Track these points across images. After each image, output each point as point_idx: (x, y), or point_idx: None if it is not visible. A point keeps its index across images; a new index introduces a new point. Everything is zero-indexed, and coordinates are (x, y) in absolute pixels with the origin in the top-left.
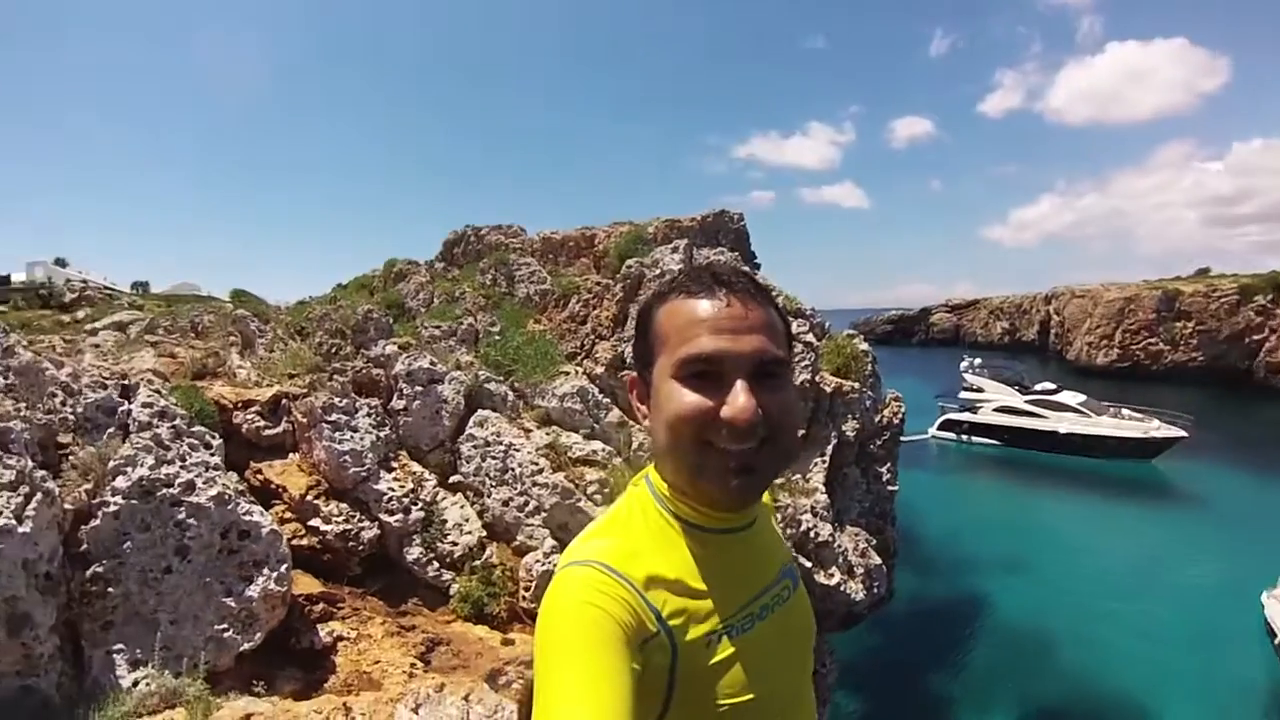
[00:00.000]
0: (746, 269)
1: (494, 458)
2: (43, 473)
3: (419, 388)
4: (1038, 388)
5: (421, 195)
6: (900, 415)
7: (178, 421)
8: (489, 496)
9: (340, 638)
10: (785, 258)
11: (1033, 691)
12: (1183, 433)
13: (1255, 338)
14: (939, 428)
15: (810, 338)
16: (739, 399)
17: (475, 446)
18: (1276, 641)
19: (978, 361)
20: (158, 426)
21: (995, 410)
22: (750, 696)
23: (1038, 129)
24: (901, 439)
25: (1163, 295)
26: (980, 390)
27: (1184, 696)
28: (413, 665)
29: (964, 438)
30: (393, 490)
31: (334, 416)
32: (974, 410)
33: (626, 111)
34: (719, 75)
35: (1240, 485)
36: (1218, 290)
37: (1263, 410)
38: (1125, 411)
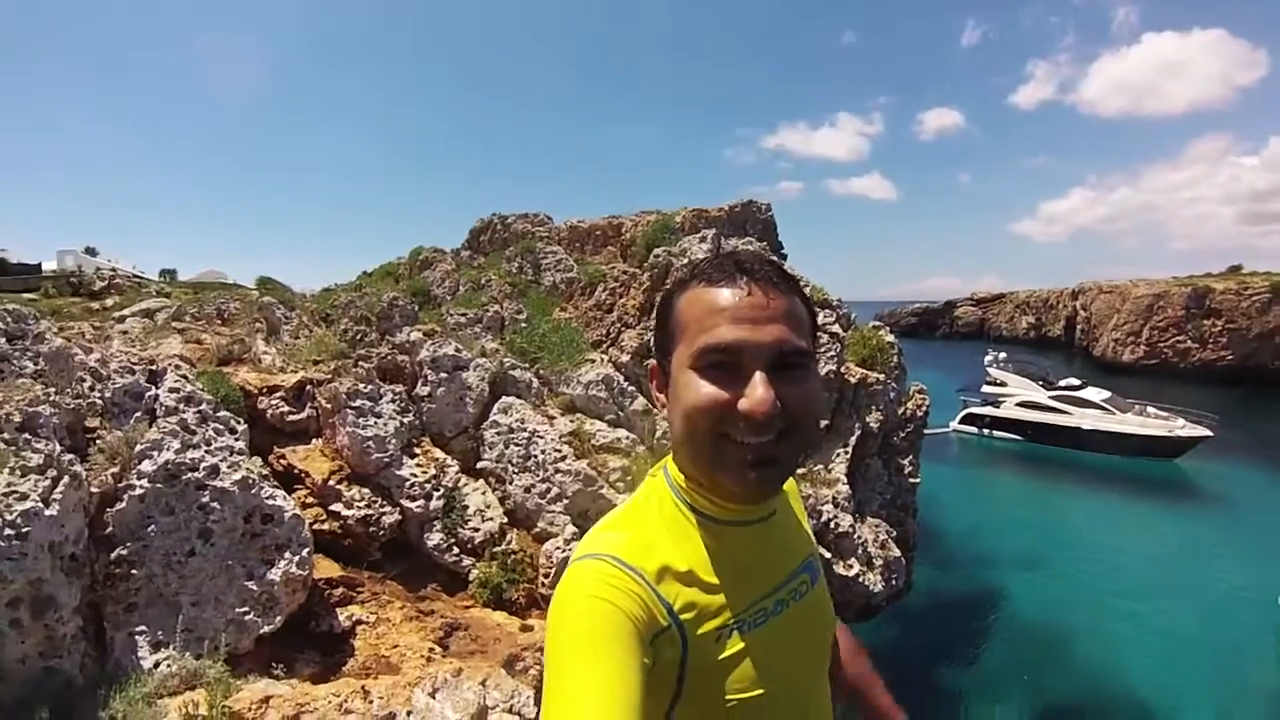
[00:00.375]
0: (773, 257)
1: (517, 444)
2: (70, 456)
3: (444, 374)
4: (1062, 383)
5: (449, 185)
6: (924, 408)
7: (203, 406)
8: (511, 483)
9: (359, 621)
10: (812, 249)
11: (1048, 688)
12: (1208, 432)
13: None
14: (961, 421)
15: (836, 328)
16: (757, 391)
17: (499, 433)
18: None
19: (1002, 356)
20: (184, 411)
21: (1018, 405)
22: (760, 692)
23: (1070, 121)
24: (924, 432)
25: (1193, 292)
26: (1003, 385)
27: (1198, 697)
28: (431, 650)
29: (986, 432)
30: (415, 476)
31: (358, 402)
32: (997, 405)
33: (657, 102)
34: (749, 67)
35: (1265, 487)
36: (1250, 288)
37: None
38: (1150, 409)
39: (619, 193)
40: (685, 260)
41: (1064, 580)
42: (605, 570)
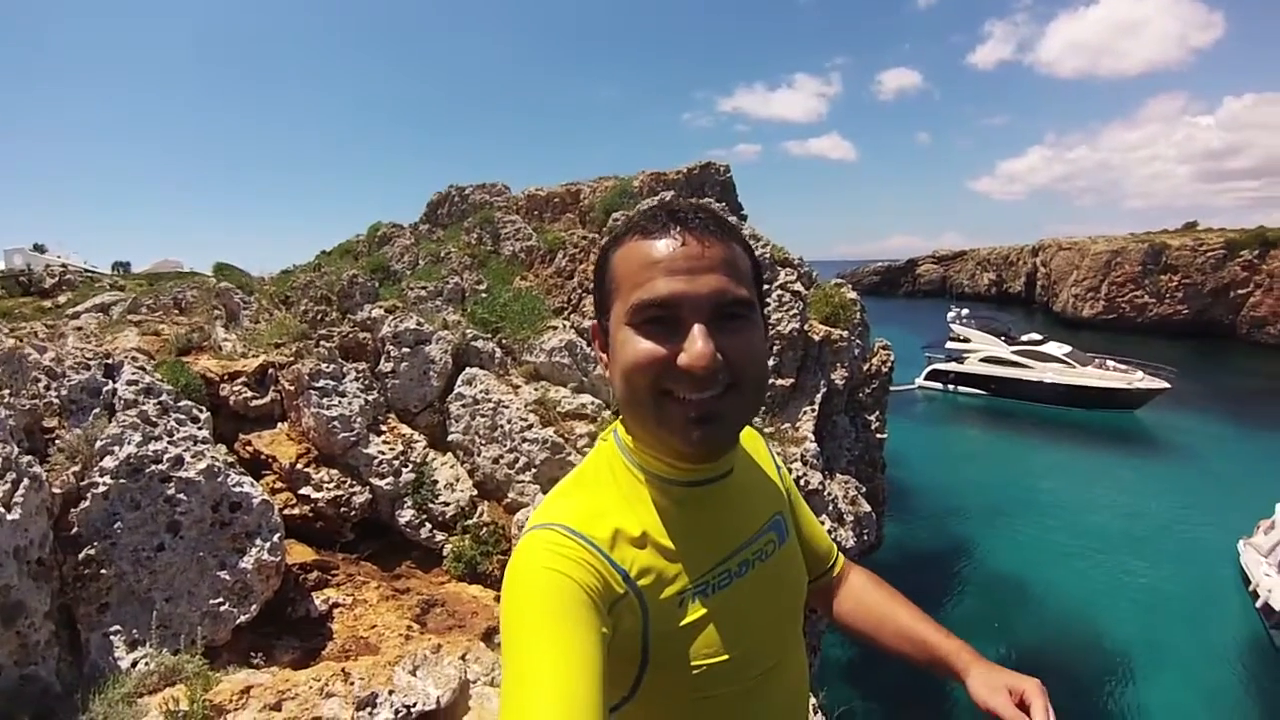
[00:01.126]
0: (710, 204)
1: (483, 416)
2: (29, 458)
3: (406, 349)
4: (1024, 338)
5: (405, 158)
6: (889, 363)
7: (164, 397)
8: (479, 455)
9: (336, 605)
10: (772, 211)
11: (1018, 636)
12: (1166, 384)
13: (1240, 292)
14: (926, 378)
15: (798, 287)
16: (696, 344)
17: (464, 405)
18: (1251, 587)
19: (964, 312)
20: (144, 403)
21: (981, 360)
22: (727, 656)
23: (1028, 81)
24: (890, 388)
25: (1149, 248)
26: (967, 341)
27: (1162, 640)
28: (409, 627)
29: (950, 388)
30: (382, 454)
31: (321, 382)
32: (960, 360)
33: (612, 66)
34: (706, 28)
35: (1221, 436)
36: (1204, 244)
37: (1244, 363)
38: (1110, 363)
39: (577, 160)
40: None
41: (1030, 531)
42: (556, 540)
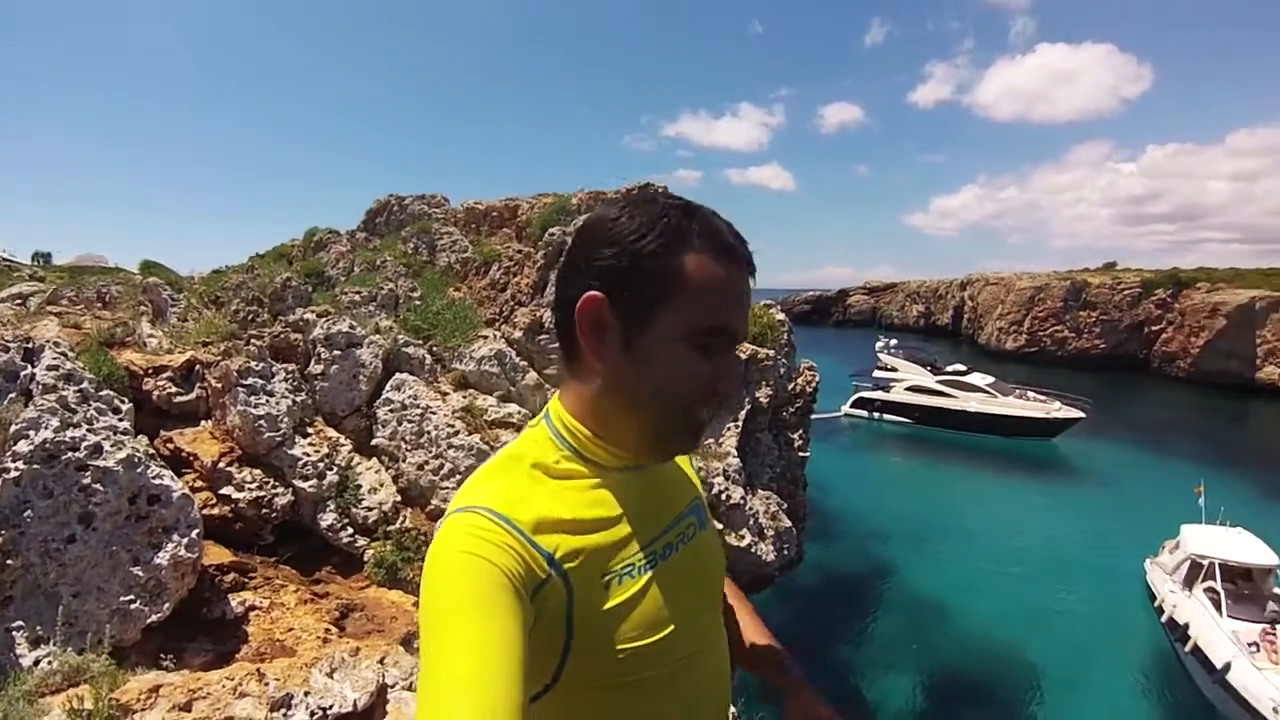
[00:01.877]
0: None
1: (410, 421)
2: None
3: (337, 352)
4: (949, 369)
5: (347, 167)
6: (814, 384)
7: (85, 385)
8: (404, 460)
9: (253, 607)
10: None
11: (936, 656)
12: (1082, 414)
13: (1153, 328)
14: (852, 405)
15: None
16: (736, 374)
17: (392, 410)
18: (1156, 603)
19: (893, 342)
20: (63, 389)
21: (907, 389)
22: (652, 639)
23: (965, 122)
24: (814, 415)
25: (1071, 285)
26: (894, 370)
27: (1075, 657)
28: (327, 631)
29: (876, 415)
30: (308, 455)
31: (250, 381)
32: (887, 389)
33: (560, 83)
34: (654, 53)
35: (1132, 463)
36: (1122, 283)
37: (1156, 395)
38: (1030, 393)
39: (517, 176)
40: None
41: (951, 554)
42: (478, 523)
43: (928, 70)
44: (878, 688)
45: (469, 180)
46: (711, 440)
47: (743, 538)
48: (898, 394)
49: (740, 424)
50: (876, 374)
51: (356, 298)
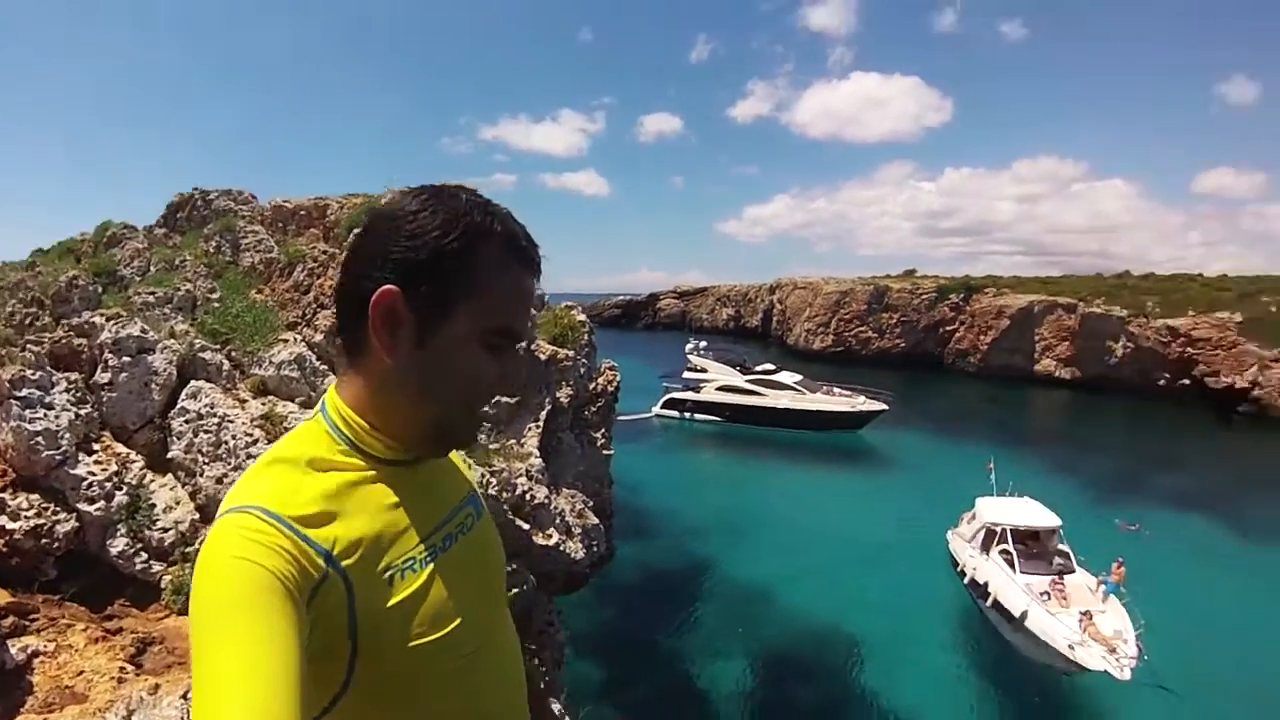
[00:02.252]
0: None
1: (207, 432)
2: None
3: (127, 358)
4: (758, 368)
5: (146, 150)
6: (615, 384)
7: None
8: (201, 475)
9: (36, 653)
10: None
11: (760, 639)
12: (885, 406)
13: (947, 329)
14: (663, 406)
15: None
16: (520, 373)
17: (187, 421)
18: (959, 569)
19: (703, 344)
20: None
21: (718, 389)
22: (440, 634)
23: (781, 138)
24: (620, 417)
25: (874, 290)
26: (704, 371)
27: (891, 624)
28: (122, 670)
29: (688, 415)
30: (93, 475)
31: (25, 392)
32: (697, 389)
33: (379, 79)
34: (479, 55)
35: (931, 448)
36: (920, 288)
37: (950, 388)
38: (836, 389)
39: (329, 174)
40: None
41: (769, 542)
42: (248, 525)
43: (749, 88)
44: (708, 674)
45: (280, 177)
46: (514, 441)
47: (550, 536)
48: (708, 394)
49: (541, 424)
50: (687, 375)
51: (151, 299)
